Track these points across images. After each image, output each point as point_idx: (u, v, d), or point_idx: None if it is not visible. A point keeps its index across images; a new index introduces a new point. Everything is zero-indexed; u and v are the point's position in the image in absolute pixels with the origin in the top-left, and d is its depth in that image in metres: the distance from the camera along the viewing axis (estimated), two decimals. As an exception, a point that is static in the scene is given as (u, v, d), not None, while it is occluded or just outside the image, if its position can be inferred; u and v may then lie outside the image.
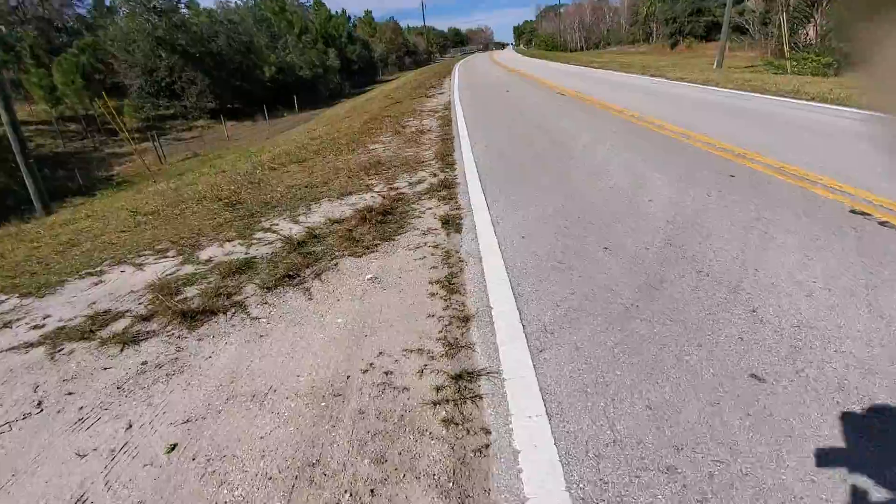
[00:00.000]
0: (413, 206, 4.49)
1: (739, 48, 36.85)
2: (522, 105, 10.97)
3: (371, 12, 71.74)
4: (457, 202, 4.46)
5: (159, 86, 29.96)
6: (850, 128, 6.20)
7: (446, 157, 6.30)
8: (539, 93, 13.24)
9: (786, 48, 17.57)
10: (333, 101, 40.19)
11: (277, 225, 4.28)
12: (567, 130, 7.47)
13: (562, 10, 78.89)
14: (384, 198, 4.73)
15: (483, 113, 10.32)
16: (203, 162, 19.07)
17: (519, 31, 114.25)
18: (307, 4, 50.99)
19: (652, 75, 16.11)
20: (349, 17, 60.19)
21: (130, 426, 1.96)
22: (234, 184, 6.35)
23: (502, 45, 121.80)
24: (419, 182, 5.27)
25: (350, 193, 5.05)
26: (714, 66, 22.12)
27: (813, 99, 8.67)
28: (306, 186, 5.52)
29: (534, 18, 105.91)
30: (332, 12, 51.66)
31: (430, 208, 4.37)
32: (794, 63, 16.75)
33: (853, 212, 3.46)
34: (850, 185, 3.96)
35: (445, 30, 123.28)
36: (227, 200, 5.31)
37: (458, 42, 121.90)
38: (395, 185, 5.21)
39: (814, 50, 17.93)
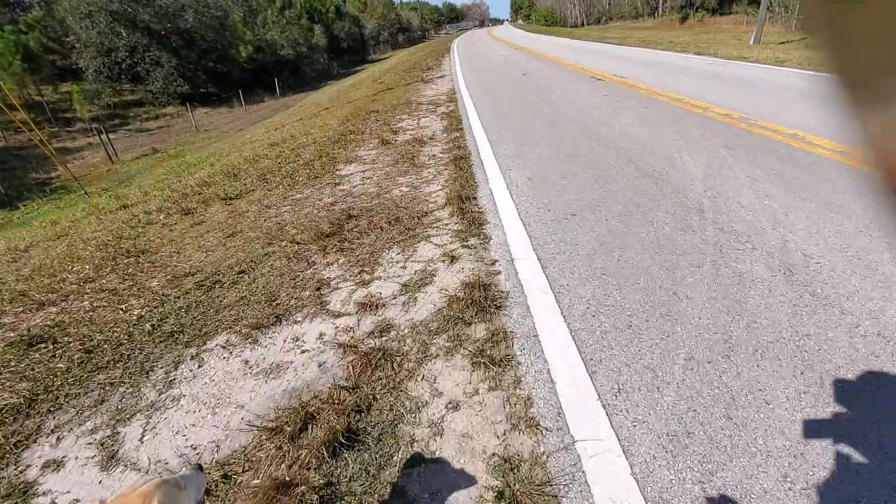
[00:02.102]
0: (411, 385, 1.86)
1: (757, 21, 33.92)
2: (552, 95, 8.22)
3: (360, -14, 66.94)
4: (518, 381, 1.82)
5: (119, 68, 26.61)
6: None
7: (466, 205, 3.62)
8: (567, 77, 10.45)
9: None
10: (320, 83, 36.84)
11: (44, 492, 1.65)
12: (645, 143, 4.79)
13: (561, -17, 74.44)
14: (346, 349, 2.08)
15: (503, 109, 7.58)
16: (158, 161, 16.21)
17: (516, 6, 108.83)
18: (290, -24, 46.83)
19: (696, 53, 13.29)
20: (337, -9, 55.99)
21: None
22: (103, 250, 3.70)
23: (500, 21, 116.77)
24: (423, 281, 2.61)
25: (278, 319, 2.40)
26: (751, 42, 19.37)
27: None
28: (200, 285, 2.85)
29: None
30: (318, -15, 47.54)
31: (456, 408, 1.74)
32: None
33: None
34: None
35: (440, 5, 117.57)
36: (36, 324, 2.67)
37: (454, 18, 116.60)
38: (374, 291, 2.56)
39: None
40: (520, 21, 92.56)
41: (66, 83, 26.40)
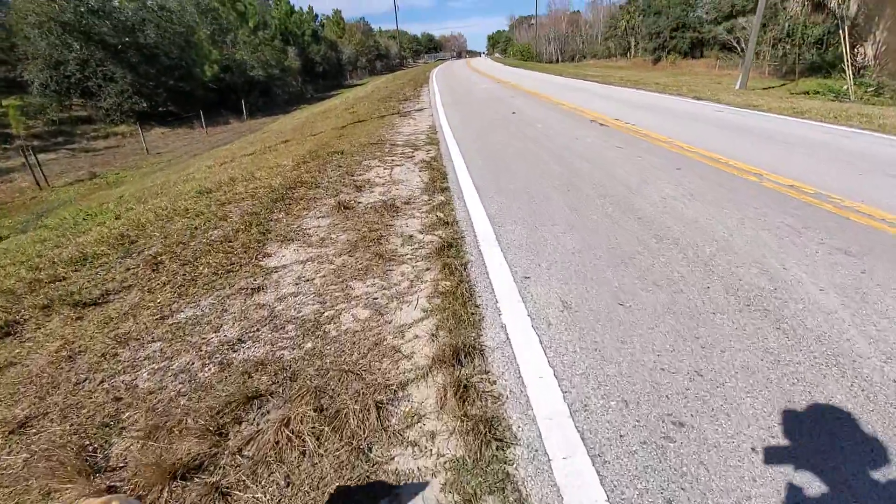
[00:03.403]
0: None
1: (730, 67, 34.69)
2: (555, 143, 6.83)
3: (340, 12, 66.34)
4: None
5: (69, 82, 24.31)
6: None
7: (467, 372, 1.99)
8: (564, 119, 9.15)
9: (847, 70, 14.30)
10: (291, 106, 35.13)
11: None
12: (714, 233, 3.34)
13: (532, 22, 76.34)
14: None
15: (497, 159, 6.10)
16: (92, 188, 14.07)
17: (493, 41, 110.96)
18: (267, -2, 45.50)
19: (695, 98, 12.36)
20: (316, 16, 55.04)
21: None
22: None
23: (477, 53, 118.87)
24: None
25: None
26: (737, 86, 19.09)
27: None
28: None
29: (507, 28, 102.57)
30: (296, 8, 46.37)
31: None
32: (864, 88, 13.46)
33: None
34: None
35: (419, 34, 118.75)
36: None
37: (432, 48, 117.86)
38: None
39: (874, 71, 14.75)
40: (496, 54, 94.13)
41: (14, 96, 23.91)
